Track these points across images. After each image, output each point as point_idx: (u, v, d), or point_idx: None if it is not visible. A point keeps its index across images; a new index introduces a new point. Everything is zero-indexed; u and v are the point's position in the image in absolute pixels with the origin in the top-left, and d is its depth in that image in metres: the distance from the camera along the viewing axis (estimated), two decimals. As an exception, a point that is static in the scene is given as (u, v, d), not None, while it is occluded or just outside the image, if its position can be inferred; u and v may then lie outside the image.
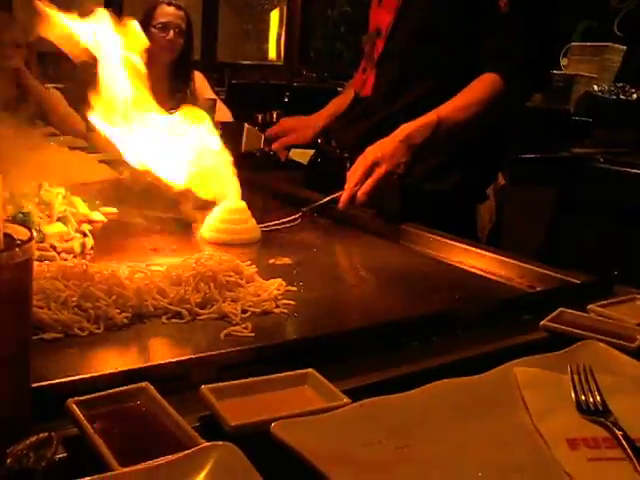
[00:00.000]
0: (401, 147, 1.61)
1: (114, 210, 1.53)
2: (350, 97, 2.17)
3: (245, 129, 2.24)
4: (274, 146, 2.18)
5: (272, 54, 6.71)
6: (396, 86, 1.89)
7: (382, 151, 1.60)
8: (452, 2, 1.80)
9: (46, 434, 0.56)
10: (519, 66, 1.71)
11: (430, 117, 1.66)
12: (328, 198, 1.64)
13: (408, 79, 1.86)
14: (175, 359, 0.81)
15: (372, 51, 1.97)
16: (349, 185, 1.57)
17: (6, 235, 0.59)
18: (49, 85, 3.33)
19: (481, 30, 1.75)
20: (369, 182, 1.56)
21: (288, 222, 1.56)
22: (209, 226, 1.41)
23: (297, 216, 1.60)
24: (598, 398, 0.78)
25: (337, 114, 2.21)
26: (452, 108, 1.69)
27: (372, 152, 1.60)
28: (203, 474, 0.58)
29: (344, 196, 1.57)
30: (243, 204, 1.43)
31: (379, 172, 1.57)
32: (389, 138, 1.63)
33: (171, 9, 3.68)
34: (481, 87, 1.71)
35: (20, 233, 0.60)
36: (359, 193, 1.55)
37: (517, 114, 2.22)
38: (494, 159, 2.02)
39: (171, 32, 3.61)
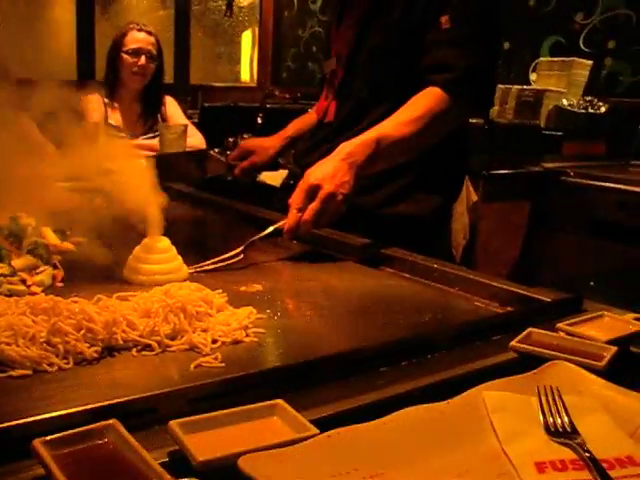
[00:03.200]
0: (342, 166, 1.53)
1: (83, 239, 1.52)
2: (312, 120, 2.21)
3: (208, 156, 2.28)
4: (236, 172, 2.21)
5: (245, 76, 6.75)
6: (356, 111, 1.90)
7: (322, 172, 1.52)
8: (404, 26, 1.80)
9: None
10: (459, 77, 1.70)
11: (370, 134, 1.62)
12: (271, 229, 1.54)
13: (367, 104, 1.88)
14: (144, 394, 0.80)
15: (332, 78, 2.00)
16: (291, 212, 1.49)
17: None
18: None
19: (424, 46, 1.76)
20: (312, 206, 1.47)
21: (228, 259, 1.44)
22: (127, 266, 1.32)
23: (239, 251, 1.47)
24: (566, 419, 0.79)
25: (297, 135, 2.25)
26: (394, 124, 1.66)
27: (312, 174, 1.52)
28: (169, 513, 0.57)
29: (287, 224, 1.49)
30: (166, 241, 1.34)
31: (322, 194, 1.48)
32: (329, 158, 1.57)
33: (141, 35, 3.70)
34: (423, 101, 1.70)
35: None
36: (302, 219, 1.47)
37: (476, 130, 2.31)
38: (455, 177, 2.03)
39: (142, 58, 3.63)
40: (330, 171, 1.51)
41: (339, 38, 1.99)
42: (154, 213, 1.33)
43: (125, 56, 3.65)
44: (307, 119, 2.28)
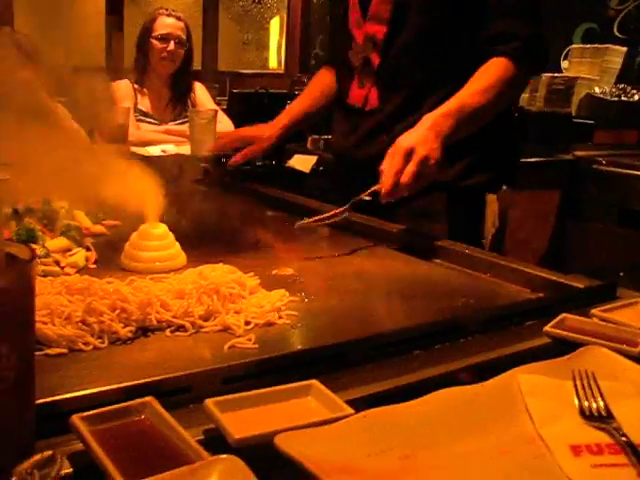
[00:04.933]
0: (429, 134, 1.56)
1: (117, 222, 1.54)
2: (307, 105, 2.17)
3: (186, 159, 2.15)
4: (230, 162, 2.10)
5: (273, 62, 6.74)
6: (411, 98, 1.84)
7: (414, 139, 1.54)
8: (448, 2, 1.79)
9: (50, 452, 0.56)
10: (525, 45, 1.72)
11: (450, 105, 1.64)
12: (368, 192, 1.53)
13: (422, 89, 1.82)
14: (179, 373, 0.81)
15: (365, 64, 1.91)
16: (389, 174, 1.49)
17: (8, 255, 0.60)
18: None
19: (478, 18, 1.75)
20: (410, 168, 1.49)
21: (333, 216, 1.53)
22: (124, 253, 1.28)
23: (345, 209, 1.54)
24: (601, 404, 0.78)
25: (294, 124, 2.17)
26: (470, 92, 1.68)
27: (404, 141, 1.54)
28: (207, 488, 0.58)
29: (385, 187, 1.48)
30: (163, 228, 1.30)
31: (417, 157, 1.50)
32: (416, 128, 1.59)
33: (171, 20, 3.70)
34: (493, 70, 1.72)
35: (22, 252, 0.61)
36: (401, 182, 1.48)
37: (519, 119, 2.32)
38: (510, 158, 2.04)
39: (171, 43, 3.63)
40: (421, 138, 1.54)
41: (369, 24, 1.88)
42: (152, 199, 1.30)
43: (154, 42, 3.65)
44: (302, 105, 2.20)
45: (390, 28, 1.83)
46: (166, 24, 3.68)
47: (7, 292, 0.57)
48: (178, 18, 3.74)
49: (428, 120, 1.59)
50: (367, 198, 1.53)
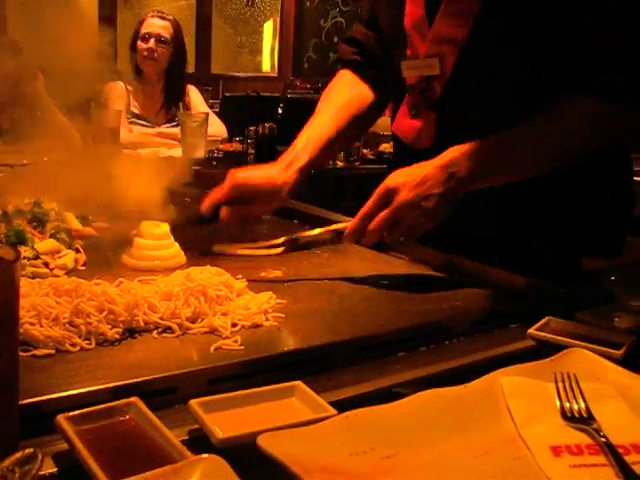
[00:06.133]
0: (437, 174, 1.22)
1: (106, 225, 1.54)
2: (331, 132, 1.51)
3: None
4: (222, 218, 1.39)
5: (266, 66, 6.76)
6: (466, 133, 1.30)
7: (406, 176, 1.23)
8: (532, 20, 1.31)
9: (31, 450, 0.57)
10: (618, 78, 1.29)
11: (489, 141, 1.27)
12: (330, 228, 1.33)
13: (483, 124, 1.31)
14: (165, 374, 0.82)
15: (426, 88, 1.43)
16: (357, 216, 1.25)
17: (-7, 256, 0.61)
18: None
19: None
20: (383, 214, 1.21)
21: (261, 247, 1.34)
22: (127, 251, 1.30)
23: (278, 242, 1.33)
24: (582, 405, 0.79)
25: (317, 164, 1.51)
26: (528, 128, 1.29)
27: (391, 178, 1.24)
28: (189, 487, 0.59)
29: (349, 228, 1.26)
30: (164, 227, 1.30)
31: (396, 202, 1.21)
32: (425, 162, 1.25)
33: (155, 20, 3.74)
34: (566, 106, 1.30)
35: (7, 254, 0.61)
36: (370, 225, 1.23)
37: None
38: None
39: (151, 41, 3.66)
40: (418, 177, 1.22)
41: (435, 28, 1.40)
42: (154, 199, 1.33)
43: (138, 42, 3.70)
44: (325, 134, 1.51)
45: (470, 42, 1.36)
46: (150, 24, 3.73)
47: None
48: (162, 17, 3.77)
49: (448, 155, 1.25)
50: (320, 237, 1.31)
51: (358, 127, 1.64)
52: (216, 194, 1.41)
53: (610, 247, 1.52)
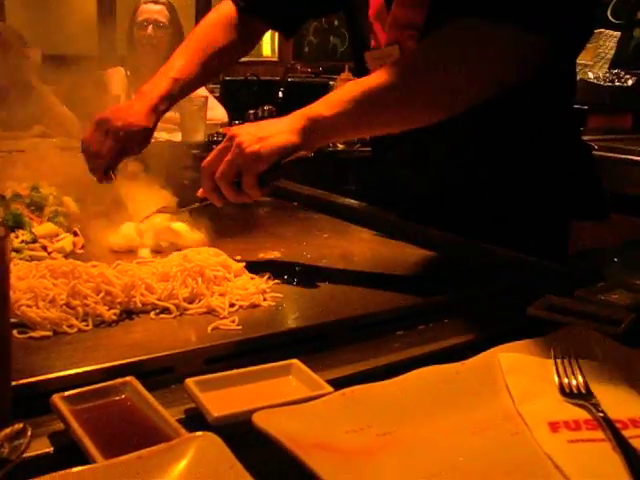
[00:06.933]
0: (286, 119, 1.16)
1: (104, 208, 1.53)
2: (193, 70, 1.52)
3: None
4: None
5: (266, 50, 6.72)
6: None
7: (251, 125, 1.19)
8: None
9: (21, 425, 0.57)
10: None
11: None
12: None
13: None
14: (161, 353, 0.82)
15: None
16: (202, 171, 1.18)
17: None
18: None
19: None
20: (223, 160, 1.13)
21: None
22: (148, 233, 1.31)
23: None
24: (581, 381, 0.79)
25: (173, 98, 1.51)
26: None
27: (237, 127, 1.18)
28: (183, 464, 0.58)
29: (202, 188, 1.20)
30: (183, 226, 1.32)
31: (235, 143, 1.13)
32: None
33: (150, 6, 3.70)
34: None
35: (-4, 231, 0.61)
36: (216, 178, 1.14)
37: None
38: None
39: (149, 28, 3.62)
40: (261, 123, 1.18)
41: (393, 14, 1.35)
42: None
43: (136, 30, 3.66)
44: (188, 68, 1.52)
45: (422, 37, 1.31)
46: (145, 10, 3.69)
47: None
48: (155, 2, 3.72)
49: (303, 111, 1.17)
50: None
51: (222, 65, 1.66)
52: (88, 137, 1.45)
53: (593, 208, 1.54)
